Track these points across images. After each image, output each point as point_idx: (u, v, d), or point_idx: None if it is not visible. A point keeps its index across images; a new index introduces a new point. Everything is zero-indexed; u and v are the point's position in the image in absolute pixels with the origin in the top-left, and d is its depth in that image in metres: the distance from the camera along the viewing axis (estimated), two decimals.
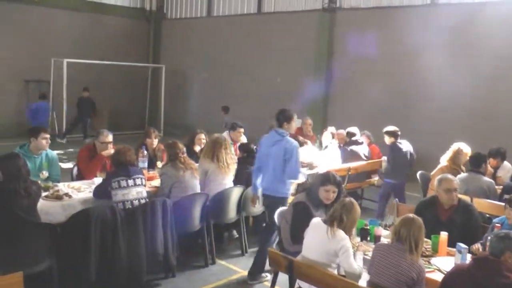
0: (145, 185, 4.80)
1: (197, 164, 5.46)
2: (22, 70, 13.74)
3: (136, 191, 4.59)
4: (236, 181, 5.56)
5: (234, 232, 5.90)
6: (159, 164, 5.86)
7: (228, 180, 5.46)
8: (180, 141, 5.37)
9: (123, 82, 15.46)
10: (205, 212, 5.14)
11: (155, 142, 6.23)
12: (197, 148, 6.41)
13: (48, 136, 5.34)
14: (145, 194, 4.69)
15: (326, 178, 4.10)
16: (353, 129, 7.79)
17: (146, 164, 5.67)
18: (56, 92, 13.65)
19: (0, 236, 3.71)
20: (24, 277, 2.77)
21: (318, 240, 3.48)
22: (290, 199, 5.93)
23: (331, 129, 7.82)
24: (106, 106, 15.24)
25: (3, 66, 13.41)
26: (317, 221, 3.64)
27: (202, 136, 6.53)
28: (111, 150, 5.52)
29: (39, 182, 4.65)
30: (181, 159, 5.04)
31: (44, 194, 4.55)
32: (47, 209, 4.31)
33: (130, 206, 4.49)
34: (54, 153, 5.55)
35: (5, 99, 13.67)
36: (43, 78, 13.97)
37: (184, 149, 5.16)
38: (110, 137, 5.66)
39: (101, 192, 4.61)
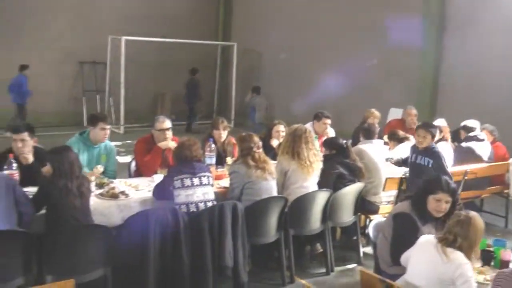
0: (212, 185, 4.85)
1: (274, 162, 5.43)
2: (76, 50, 14.44)
3: (202, 191, 4.64)
4: (321, 184, 5.46)
5: (318, 246, 5.81)
6: (229, 160, 5.89)
7: (311, 182, 5.37)
8: (256, 134, 5.36)
9: (188, 63, 15.82)
10: (283, 220, 5.10)
11: (224, 134, 6.28)
12: (275, 143, 6.39)
13: (107, 126, 5.57)
14: (212, 196, 4.73)
15: (437, 185, 3.90)
16: (472, 123, 7.39)
17: (214, 160, 5.72)
18: (113, 74, 14.25)
19: (50, 239, 3.90)
20: (76, 285, 2.88)
21: (427, 263, 3.31)
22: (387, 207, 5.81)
23: (440, 122, 7.44)
24: (168, 91, 15.74)
25: (55, 47, 14.14)
26: (426, 240, 3.45)
27: (281, 128, 6.50)
28: (169, 142, 5.64)
29: (93, 177, 4.88)
30: (255, 156, 5.01)
31: (98, 191, 4.75)
32: (102, 209, 4.49)
33: (195, 209, 4.55)
34: (113, 145, 5.77)
35: (61, 84, 14.43)
36: (98, 59, 14.65)
37: (260, 143, 5.14)
38: (167, 123, 5.78)
39: (162, 191, 4.72)
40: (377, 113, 7.98)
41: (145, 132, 6.71)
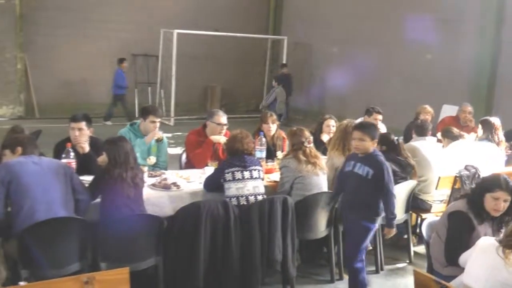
0: (262, 179, 4.86)
1: (325, 157, 5.40)
2: (129, 43, 14.76)
3: (253, 185, 4.66)
4: None
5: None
6: (280, 154, 5.89)
7: None
8: (306, 128, 5.34)
9: (238, 57, 15.91)
10: (333, 216, 5.07)
11: (273, 128, 6.28)
12: (325, 138, 6.35)
13: (157, 119, 5.65)
14: (262, 190, 4.74)
15: (495, 183, 3.78)
16: None
17: (264, 154, 5.73)
18: (165, 67, 14.48)
19: (105, 227, 4.01)
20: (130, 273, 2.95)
21: (488, 268, 3.18)
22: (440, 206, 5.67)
23: (493, 120, 7.19)
24: (217, 84, 15.88)
25: (110, 39, 14.51)
26: (487, 242, 3.32)
27: (332, 122, 6.45)
28: (221, 137, 5.67)
29: (145, 168, 4.97)
30: (306, 150, 4.99)
31: (150, 182, 4.84)
32: (154, 199, 4.56)
33: (245, 203, 4.57)
34: (164, 136, 5.86)
35: (112, 76, 14.76)
36: (151, 52, 14.92)
37: (311, 138, 5.11)
38: (225, 119, 5.81)
39: (213, 184, 4.76)
40: (430, 109, 7.80)
41: (194, 125, 6.80)
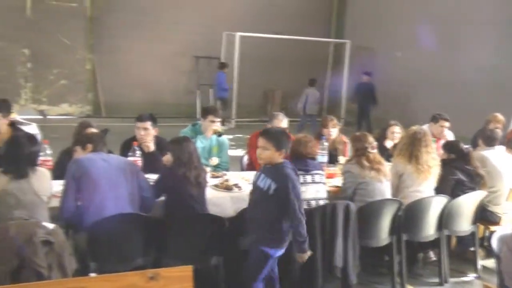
0: (324, 183, 4.82)
1: (388, 164, 5.31)
2: (193, 45, 15.03)
3: (315, 189, 4.63)
4: (438, 189, 5.25)
5: (431, 254, 5.61)
6: (342, 159, 5.84)
7: (427, 186, 5.18)
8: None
9: (299, 60, 15.88)
10: (396, 224, 4.97)
11: (334, 132, 6.24)
12: (389, 144, 6.24)
13: (217, 120, 5.72)
14: (324, 194, 4.71)
15: None
16: None
17: (325, 159, 5.69)
18: (227, 70, 14.63)
19: (168, 225, 4.10)
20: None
21: None
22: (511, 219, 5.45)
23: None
24: (278, 87, 15.91)
25: (174, 42, 14.83)
26: None
27: (396, 129, 6.34)
28: None
29: (208, 169, 5.04)
30: (370, 156, 4.93)
31: (213, 183, 4.90)
32: (216, 200, 4.62)
33: (307, 207, 4.53)
34: (225, 138, 5.92)
35: (177, 77, 15.13)
36: (214, 54, 15.12)
37: (375, 143, 5.04)
38: (285, 122, 5.82)
39: None
40: (501, 117, 7.50)
41: (255, 127, 6.83)
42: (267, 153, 3.88)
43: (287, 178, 3.80)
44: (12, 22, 13.19)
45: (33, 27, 13.40)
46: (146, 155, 4.99)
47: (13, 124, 5.28)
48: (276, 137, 3.91)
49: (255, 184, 4.00)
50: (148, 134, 5.15)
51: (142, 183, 4.24)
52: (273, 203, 3.83)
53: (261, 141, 3.92)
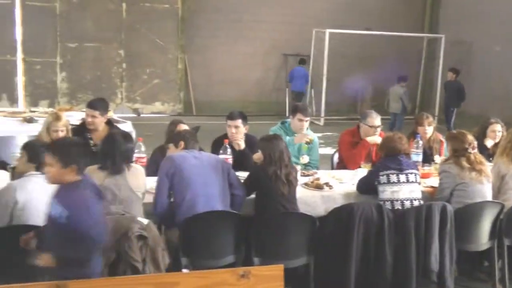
0: (419, 183, 4.65)
1: (489, 164, 5.03)
2: (281, 43, 15.08)
3: (409, 189, 4.48)
4: None
5: None
6: (438, 158, 5.62)
7: None
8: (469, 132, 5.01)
9: (391, 56, 15.48)
10: (497, 227, 4.70)
11: (429, 130, 6.00)
12: (489, 143, 5.93)
13: (305, 118, 5.65)
14: (419, 195, 4.54)
15: None
16: None
17: (420, 158, 5.49)
18: (316, 66, 14.56)
19: (259, 223, 4.12)
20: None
21: None
22: None
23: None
24: (369, 84, 15.62)
25: (262, 40, 14.95)
26: None
27: (498, 127, 6.00)
28: (377, 138, 5.54)
29: (298, 167, 5.01)
30: (470, 157, 4.68)
31: (303, 181, 4.86)
32: (306, 198, 4.57)
33: (400, 207, 4.40)
34: (315, 136, 5.87)
35: (265, 75, 15.26)
36: (302, 51, 15.08)
37: (475, 142, 4.78)
38: (378, 120, 5.68)
39: (366, 186, 4.66)
40: None
41: (344, 125, 6.72)
42: (52, 171, 3.15)
43: (78, 202, 3.07)
44: (109, 25, 13.85)
45: (128, 29, 14.00)
46: (236, 153, 5.04)
47: (110, 122, 5.52)
48: (61, 150, 3.17)
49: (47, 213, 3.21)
50: (239, 132, 5.19)
51: (233, 181, 4.28)
52: (65, 234, 3.03)
53: (46, 157, 3.21)
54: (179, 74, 14.63)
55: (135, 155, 4.47)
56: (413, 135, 5.79)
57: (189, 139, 4.33)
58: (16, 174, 3.99)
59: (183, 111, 14.61)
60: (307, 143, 5.59)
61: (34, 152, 3.84)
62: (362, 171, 5.07)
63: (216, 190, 4.12)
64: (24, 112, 7.95)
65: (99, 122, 5.27)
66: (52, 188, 3.28)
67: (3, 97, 13.34)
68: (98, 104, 5.30)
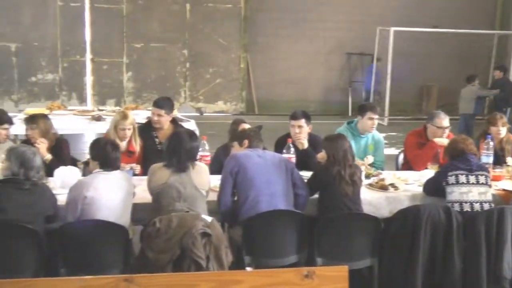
0: (490, 186, 4.48)
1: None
2: (344, 41, 14.92)
3: (478, 191, 4.32)
4: None
5: None
6: (510, 160, 5.40)
7: None
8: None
9: (458, 54, 15.01)
10: None
11: (503, 131, 5.77)
12: None
13: (375, 116, 5.60)
14: (490, 197, 4.38)
15: None
16: None
17: (491, 159, 5.29)
18: (380, 65, 14.31)
19: (322, 223, 4.08)
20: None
21: None
22: None
23: None
24: (435, 83, 15.22)
25: (325, 38, 14.85)
26: None
27: None
28: (445, 140, 5.40)
29: (363, 168, 4.93)
30: None
31: (367, 182, 4.79)
32: (371, 199, 4.51)
33: (469, 210, 4.26)
34: (381, 136, 5.78)
35: (328, 74, 15.14)
36: (366, 50, 14.86)
37: None
38: (447, 121, 5.52)
39: (434, 187, 4.53)
40: None
41: (409, 125, 6.56)
42: None
43: None
44: (173, 26, 14.12)
45: (192, 29, 14.22)
46: (300, 152, 5.02)
47: (174, 121, 5.63)
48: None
49: None
50: (302, 132, 5.18)
51: (296, 180, 4.26)
52: None
53: None
54: (241, 73, 14.73)
55: (199, 153, 4.53)
56: (483, 135, 5.59)
57: (253, 137, 4.35)
58: (87, 171, 4.14)
59: (245, 110, 14.71)
60: None
61: (96, 151, 3.97)
62: (429, 173, 4.95)
63: (280, 189, 4.12)
64: (93, 111, 8.22)
65: (165, 121, 5.38)
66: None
67: (72, 96, 13.86)
68: (164, 103, 5.42)
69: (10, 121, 5.10)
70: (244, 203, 4.05)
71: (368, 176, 4.96)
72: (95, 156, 3.98)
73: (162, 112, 5.33)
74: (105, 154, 3.91)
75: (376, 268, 4.17)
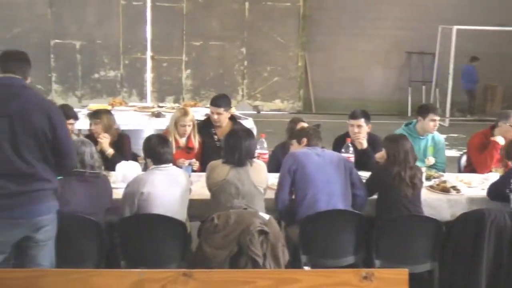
0: None
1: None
2: (404, 40, 14.62)
3: None
4: None
5: None
6: None
7: None
8: None
9: None
10: None
11: None
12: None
13: (437, 118, 5.46)
14: None
15: None
16: None
17: None
18: (442, 65, 13.95)
19: (381, 225, 4.02)
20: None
21: None
22: None
23: None
24: (499, 83, 14.73)
25: (384, 37, 14.60)
26: None
27: None
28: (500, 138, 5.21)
29: (423, 169, 4.82)
30: None
31: (427, 184, 4.67)
32: (431, 201, 4.40)
33: None
34: (442, 137, 5.64)
35: (387, 73, 14.89)
36: (427, 49, 14.51)
37: None
38: None
39: (497, 192, 4.36)
40: None
41: (471, 127, 6.35)
42: None
43: None
44: (232, 24, 14.22)
45: (250, 27, 14.28)
46: (358, 152, 4.95)
47: (233, 118, 5.66)
48: None
49: None
50: (361, 131, 5.10)
51: (355, 180, 4.22)
52: None
53: None
54: (299, 71, 14.68)
55: (257, 151, 4.54)
56: None
57: (312, 136, 4.32)
58: (147, 166, 4.23)
59: (302, 109, 14.65)
60: None
61: (147, 148, 4.04)
62: (493, 176, 4.78)
63: (338, 188, 4.08)
64: (153, 107, 8.37)
65: (224, 119, 5.41)
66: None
67: (133, 93, 14.18)
68: (222, 101, 5.44)
69: (75, 116, 5.27)
70: (302, 201, 4.03)
71: (428, 178, 4.84)
72: (147, 154, 4.06)
73: (221, 110, 5.36)
74: (154, 150, 3.98)
75: (437, 272, 4.07)
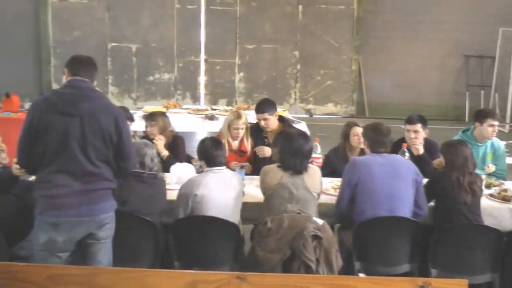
0: None
1: None
2: (462, 43, 14.23)
3: None
4: None
5: None
6: None
7: None
8: None
9: None
10: None
11: None
12: None
13: (496, 123, 5.28)
14: None
15: None
16: None
17: None
18: (502, 69, 13.52)
19: (440, 233, 3.91)
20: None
21: None
22: None
23: None
24: None
25: (440, 40, 14.25)
26: None
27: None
28: None
29: (483, 176, 4.67)
30: None
31: (487, 192, 4.53)
32: (492, 210, 4.27)
33: None
34: (502, 143, 5.47)
35: (443, 78, 14.54)
36: (486, 52, 14.09)
37: None
38: None
39: None
40: None
41: None
42: None
43: None
44: (285, 27, 14.20)
45: (304, 30, 14.23)
46: (415, 158, 4.84)
47: (282, 119, 5.60)
48: None
49: None
50: (418, 137, 4.99)
51: (419, 200, 4.09)
52: None
53: None
54: (352, 75, 14.51)
55: (312, 156, 4.49)
56: None
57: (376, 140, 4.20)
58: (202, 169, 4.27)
59: (355, 113, 14.47)
60: None
61: (201, 151, 4.07)
62: None
63: (400, 205, 3.96)
64: (206, 110, 8.45)
65: (272, 123, 5.37)
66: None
67: (186, 95, 14.37)
68: (265, 106, 5.37)
69: (131, 118, 5.37)
70: (361, 215, 3.95)
71: (488, 186, 4.69)
72: (201, 156, 4.10)
73: (266, 115, 5.31)
74: (208, 153, 4.01)
75: (497, 284, 3.94)
